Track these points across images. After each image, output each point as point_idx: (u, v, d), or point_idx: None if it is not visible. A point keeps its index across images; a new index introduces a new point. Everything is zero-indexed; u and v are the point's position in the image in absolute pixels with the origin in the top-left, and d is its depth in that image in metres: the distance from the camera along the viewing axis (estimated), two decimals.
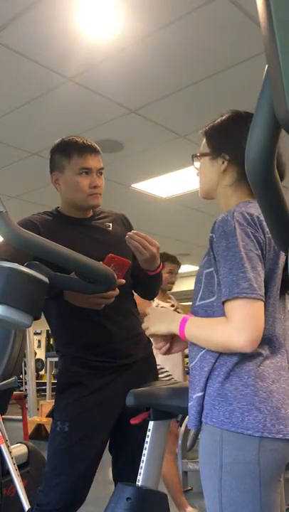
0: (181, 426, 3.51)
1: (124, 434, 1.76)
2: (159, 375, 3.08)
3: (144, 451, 1.47)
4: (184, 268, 3.61)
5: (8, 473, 2.06)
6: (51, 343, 12.36)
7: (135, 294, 1.94)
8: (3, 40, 2.75)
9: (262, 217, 1.11)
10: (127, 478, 1.59)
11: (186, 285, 3.74)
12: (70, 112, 3.57)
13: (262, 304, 1.07)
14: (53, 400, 1.89)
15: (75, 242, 1.54)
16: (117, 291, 1.59)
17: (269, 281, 1.13)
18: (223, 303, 1.09)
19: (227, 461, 1.07)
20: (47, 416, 5.85)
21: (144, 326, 1.31)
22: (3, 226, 1.22)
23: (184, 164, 4.36)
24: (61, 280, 1.43)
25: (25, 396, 5.31)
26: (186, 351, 1.27)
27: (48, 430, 2.53)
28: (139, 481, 1.47)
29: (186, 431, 3.44)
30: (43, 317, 1.59)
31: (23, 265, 1.31)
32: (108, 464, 1.83)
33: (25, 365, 6.32)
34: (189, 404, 1.17)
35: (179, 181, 4.90)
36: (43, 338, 14.25)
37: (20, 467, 2.15)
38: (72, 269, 1.42)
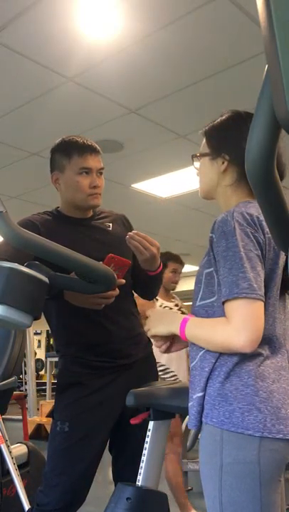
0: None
1: (124, 434, 1.76)
2: (165, 376, 3.09)
3: (144, 451, 1.48)
4: (184, 268, 3.60)
5: (8, 473, 2.06)
6: (51, 343, 12.36)
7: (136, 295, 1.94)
8: (3, 40, 2.75)
9: (262, 217, 1.11)
10: (127, 478, 1.59)
11: (186, 285, 3.72)
12: (70, 112, 3.57)
13: (262, 304, 1.07)
14: (53, 400, 1.89)
15: (75, 242, 1.54)
16: (117, 291, 1.59)
17: (269, 281, 1.13)
18: (223, 303, 1.09)
19: (227, 461, 1.07)
20: (47, 416, 5.86)
21: (145, 327, 1.32)
22: (3, 226, 1.22)
23: (184, 164, 4.36)
24: (61, 280, 1.43)
25: (25, 396, 5.31)
26: None
27: (48, 430, 2.53)
28: (139, 481, 1.47)
29: (186, 431, 3.44)
30: (43, 317, 1.59)
31: (23, 265, 1.31)
32: (108, 463, 1.83)
33: (25, 365, 6.32)
34: (189, 404, 1.17)
35: (179, 181, 4.89)
36: (43, 338, 14.26)
37: (20, 467, 2.15)
38: (72, 269, 1.42)
